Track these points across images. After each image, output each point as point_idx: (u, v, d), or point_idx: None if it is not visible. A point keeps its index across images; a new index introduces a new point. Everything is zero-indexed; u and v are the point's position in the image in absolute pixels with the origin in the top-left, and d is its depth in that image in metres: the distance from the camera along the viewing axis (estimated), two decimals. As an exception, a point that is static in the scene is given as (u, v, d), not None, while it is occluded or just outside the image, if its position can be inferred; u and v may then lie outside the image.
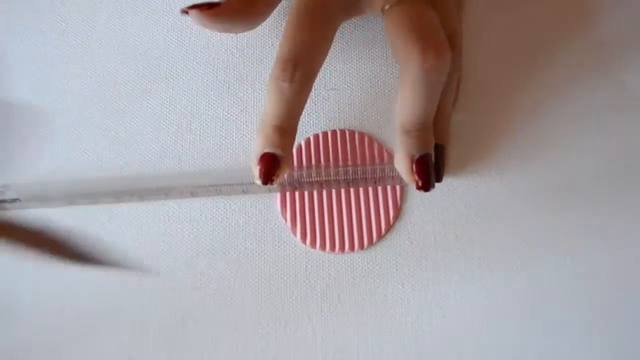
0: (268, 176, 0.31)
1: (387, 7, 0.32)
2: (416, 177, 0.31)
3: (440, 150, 0.33)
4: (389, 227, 0.35)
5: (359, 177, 0.35)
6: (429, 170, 0.31)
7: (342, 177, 0.35)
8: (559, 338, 0.34)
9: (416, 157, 0.31)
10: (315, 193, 0.36)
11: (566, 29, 0.39)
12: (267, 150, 0.30)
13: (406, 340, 0.34)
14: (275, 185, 0.31)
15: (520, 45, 0.39)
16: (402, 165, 0.32)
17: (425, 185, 0.31)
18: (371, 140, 0.37)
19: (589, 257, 0.35)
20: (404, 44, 0.30)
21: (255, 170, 0.31)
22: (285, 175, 0.32)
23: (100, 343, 0.34)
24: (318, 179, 0.35)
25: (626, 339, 0.33)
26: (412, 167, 0.31)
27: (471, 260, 0.35)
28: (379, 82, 0.38)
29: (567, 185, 0.36)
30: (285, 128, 0.30)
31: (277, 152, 0.30)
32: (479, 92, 0.38)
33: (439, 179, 0.33)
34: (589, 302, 0.34)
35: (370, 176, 0.35)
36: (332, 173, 0.35)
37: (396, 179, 0.35)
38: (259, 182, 0.31)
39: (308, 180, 0.35)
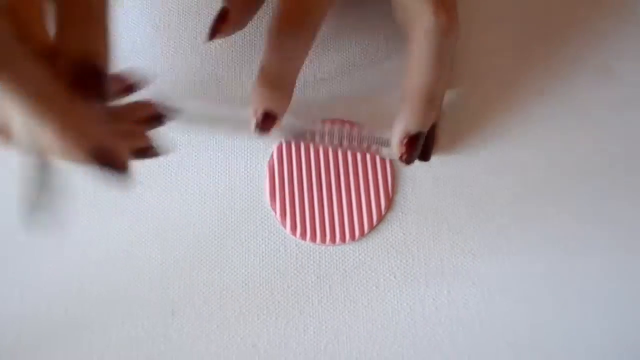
0: (264, 130, 0.32)
1: None
2: (403, 150, 0.32)
3: (430, 128, 0.33)
4: (381, 218, 0.35)
5: (354, 138, 0.36)
6: (417, 147, 0.32)
7: (337, 138, 0.36)
8: (551, 328, 0.33)
9: (412, 133, 0.32)
10: (305, 183, 0.35)
11: (559, 13, 0.39)
12: (264, 106, 0.32)
13: (399, 331, 0.33)
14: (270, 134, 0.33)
15: (513, 28, 0.38)
16: (395, 135, 0.32)
17: (408, 160, 0.32)
18: (361, 130, 0.36)
19: (585, 245, 0.35)
20: (414, 4, 0.30)
21: (252, 123, 0.32)
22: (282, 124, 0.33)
23: (88, 337, 0.34)
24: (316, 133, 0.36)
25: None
26: (402, 140, 0.32)
27: (463, 250, 0.35)
28: (369, 73, 0.37)
29: (557, 171, 0.36)
30: (285, 85, 0.32)
31: (274, 109, 0.32)
32: (470, 74, 0.37)
33: (427, 157, 0.34)
34: (581, 292, 0.34)
35: (358, 139, 0.36)
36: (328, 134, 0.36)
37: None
38: (253, 131, 0.32)
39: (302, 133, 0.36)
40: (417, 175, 0.36)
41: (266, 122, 0.32)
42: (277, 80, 0.31)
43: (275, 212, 0.35)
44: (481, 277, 0.34)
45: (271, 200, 0.35)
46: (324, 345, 0.33)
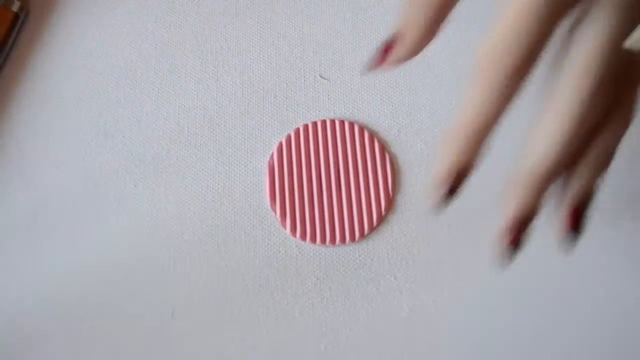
0: (453, 192, 0.27)
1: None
2: (509, 237, 0.26)
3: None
4: (381, 219, 0.35)
5: None
6: (524, 238, 0.26)
7: None
8: (551, 329, 0.33)
9: (523, 216, 0.26)
10: (305, 184, 0.35)
11: None
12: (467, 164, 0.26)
13: (399, 334, 0.33)
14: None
15: None
16: (505, 219, 0.26)
17: (515, 249, 0.26)
18: (362, 130, 0.36)
19: (587, 247, 0.34)
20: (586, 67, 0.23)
21: (446, 181, 0.26)
22: None
23: (88, 337, 0.33)
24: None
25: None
26: (513, 224, 0.26)
27: (464, 251, 0.34)
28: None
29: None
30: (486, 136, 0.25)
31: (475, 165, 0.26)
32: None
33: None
34: (585, 295, 0.34)
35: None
36: None
37: None
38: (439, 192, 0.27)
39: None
40: (418, 175, 0.36)
41: (460, 183, 0.26)
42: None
43: (275, 213, 0.35)
44: (482, 278, 0.34)
45: (271, 200, 0.35)
46: (324, 346, 0.33)
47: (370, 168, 0.35)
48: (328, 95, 0.37)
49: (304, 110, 0.37)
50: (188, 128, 0.37)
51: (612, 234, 0.35)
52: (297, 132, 0.36)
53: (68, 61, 0.39)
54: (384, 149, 0.36)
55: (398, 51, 0.28)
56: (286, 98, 0.38)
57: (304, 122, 0.37)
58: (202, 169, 0.36)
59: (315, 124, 0.36)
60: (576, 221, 0.27)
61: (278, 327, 0.33)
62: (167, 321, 0.33)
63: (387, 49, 0.28)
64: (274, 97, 0.38)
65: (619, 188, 0.35)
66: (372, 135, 0.36)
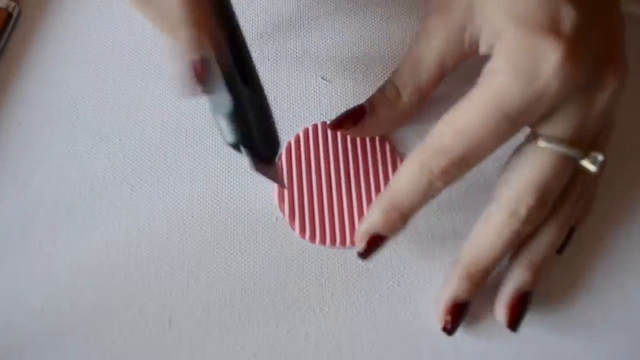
0: (368, 254, 0.30)
1: (542, 142, 0.28)
2: (448, 318, 0.31)
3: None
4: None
5: None
6: (462, 317, 0.31)
7: None
8: (557, 336, 0.33)
9: (460, 301, 0.30)
10: (314, 185, 0.35)
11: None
12: (383, 233, 0.30)
13: (402, 342, 0.33)
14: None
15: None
16: (442, 299, 0.31)
17: (451, 330, 0.31)
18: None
19: (590, 247, 0.35)
20: (517, 191, 0.29)
21: (362, 244, 0.30)
22: None
23: (81, 346, 0.32)
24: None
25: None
26: (450, 308, 0.31)
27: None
28: (373, 73, 0.37)
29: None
30: (410, 215, 0.29)
31: (390, 236, 0.30)
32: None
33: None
34: (589, 299, 0.34)
35: None
36: None
37: None
38: (357, 251, 0.31)
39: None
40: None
41: (376, 246, 0.30)
42: (408, 212, 0.30)
43: (284, 214, 0.34)
44: (488, 286, 0.33)
45: (279, 201, 0.34)
46: (326, 354, 0.32)
47: (381, 169, 0.35)
48: (338, 95, 0.37)
49: (313, 110, 0.37)
50: (187, 130, 0.36)
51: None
52: (305, 132, 0.36)
53: (62, 62, 0.38)
54: (394, 150, 0.36)
55: (367, 123, 0.33)
56: (293, 98, 0.38)
57: (314, 122, 0.36)
58: (203, 171, 0.35)
59: (324, 124, 0.36)
60: (513, 315, 0.31)
61: (279, 334, 0.32)
62: (164, 328, 0.32)
63: (357, 115, 0.33)
64: (280, 97, 0.37)
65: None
66: (383, 137, 0.36)
